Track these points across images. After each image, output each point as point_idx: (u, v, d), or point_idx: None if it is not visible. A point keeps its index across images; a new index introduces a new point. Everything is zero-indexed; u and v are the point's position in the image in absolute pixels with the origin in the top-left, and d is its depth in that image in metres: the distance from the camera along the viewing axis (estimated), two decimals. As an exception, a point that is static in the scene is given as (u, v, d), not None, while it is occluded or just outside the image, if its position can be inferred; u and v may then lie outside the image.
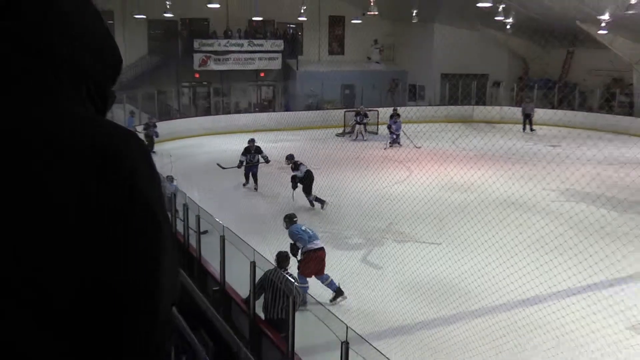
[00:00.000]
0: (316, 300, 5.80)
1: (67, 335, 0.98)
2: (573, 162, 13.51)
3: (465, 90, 27.32)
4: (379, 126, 23.66)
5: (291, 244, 8.37)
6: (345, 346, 4.77)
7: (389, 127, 20.97)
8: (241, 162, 14.66)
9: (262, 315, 6.59)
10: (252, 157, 14.84)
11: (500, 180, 11.84)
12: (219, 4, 20.75)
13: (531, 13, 22.26)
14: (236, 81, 26.97)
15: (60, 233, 0.99)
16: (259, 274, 6.69)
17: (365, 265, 9.79)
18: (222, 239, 7.41)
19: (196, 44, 25.58)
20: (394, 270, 9.15)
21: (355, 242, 10.87)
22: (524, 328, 7.16)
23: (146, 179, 1.05)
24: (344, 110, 24.83)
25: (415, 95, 29.42)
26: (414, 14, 25.17)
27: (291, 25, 28.10)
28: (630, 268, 8.38)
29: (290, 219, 8.87)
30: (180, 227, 9.62)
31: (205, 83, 26.77)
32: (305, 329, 5.76)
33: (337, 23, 29.73)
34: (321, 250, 8.41)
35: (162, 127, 21.39)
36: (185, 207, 9.19)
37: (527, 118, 24.25)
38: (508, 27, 22.18)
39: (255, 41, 26.65)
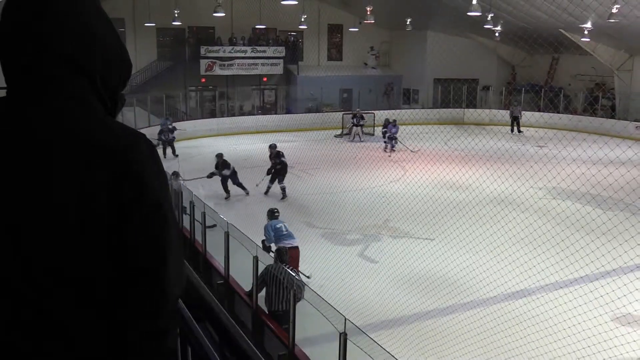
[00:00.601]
0: (316, 293, 5.73)
1: (92, 315, 1.03)
2: (559, 161, 13.43)
3: (456, 94, 27.34)
4: (375, 128, 23.63)
5: (262, 240, 8.18)
6: (343, 337, 4.73)
7: (386, 133, 20.23)
8: (212, 173, 13.77)
9: (264, 308, 6.53)
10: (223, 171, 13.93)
11: (490, 179, 11.77)
12: (224, 13, 20.68)
13: (518, 22, 22.22)
14: (240, 85, 27.01)
15: (79, 227, 1.01)
16: (261, 268, 6.62)
17: (362, 259, 9.74)
18: (227, 235, 7.35)
19: (203, 50, 25.60)
20: (390, 264, 9.11)
21: (352, 237, 10.81)
22: (514, 320, 7.11)
23: (154, 176, 1.07)
24: (342, 113, 24.83)
25: (409, 98, 29.40)
26: (408, 23, 25.18)
27: (292, 33, 28.07)
28: (614, 262, 8.31)
29: (271, 214, 8.56)
30: (186, 222, 9.54)
31: (211, 87, 26.76)
32: (306, 321, 5.70)
33: (335, 31, 29.72)
34: (294, 249, 7.88)
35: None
36: (192, 204, 9.11)
37: (515, 120, 24.28)
38: (497, 34, 22.15)
39: (258, 48, 26.66)
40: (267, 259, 6.71)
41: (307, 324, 5.75)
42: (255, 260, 6.59)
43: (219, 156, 13.87)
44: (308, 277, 8.10)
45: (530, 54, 27.56)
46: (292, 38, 28.47)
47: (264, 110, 27.90)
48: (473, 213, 10.79)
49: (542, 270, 8.07)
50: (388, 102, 28.62)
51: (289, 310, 5.81)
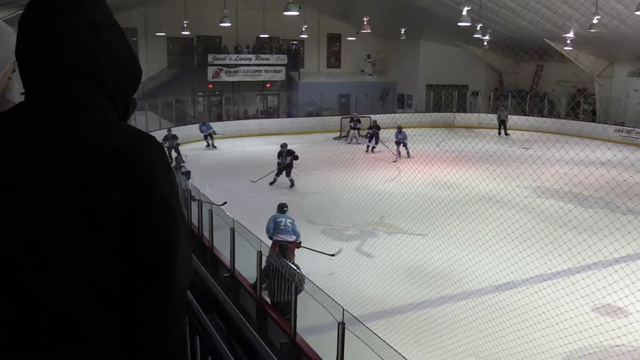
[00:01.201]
0: (316, 285, 5.73)
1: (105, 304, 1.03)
2: (543, 162, 13.45)
3: (447, 99, 27.29)
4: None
5: None
6: (341, 326, 4.73)
7: (372, 136, 19.84)
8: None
9: (268, 299, 6.53)
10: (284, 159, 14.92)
11: (479, 178, 11.77)
12: (230, 23, 20.67)
13: (505, 31, 22.21)
14: (245, 91, 27.00)
15: (92, 226, 1.01)
16: (265, 262, 6.62)
17: (359, 254, 9.73)
18: (232, 231, 7.35)
19: (210, 58, 25.60)
20: (385, 258, 9.11)
21: (350, 233, 10.81)
22: (501, 310, 7.12)
23: (162, 176, 1.06)
24: (340, 117, 24.79)
25: (403, 103, 29.38)
26: (402, 32, 25.16)
27: (294, 42, 28.02)
28: (594, 256, 8.31)
29: (280, 208, 8.62)
30: (194, 219, 9.54)
31: (217, 92, 26.73)
32: (306, 311, 5.70)
33: (334, 40, 29.68)
34: (283, 242, 7.64)
35: (180, 131, 21.32)
36: (199, 202, 9.11)
37: (502, 124, 24.25)
38: (485, 43, 22.12)
39: (262, 56, 26.64)
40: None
41: (307, 314, 5.75)
42: (259, 255, 6.60)
43: (284, 146, 14.98)
44: (333, 255, 8.40)
45: (517, 62, 27.53)
46: (294, 46, 28.43)
47: (267, 114, 27.87)
48: (463, 210, 10.80)
49: (528, 263, 8.07)
50: (384, 106, 28.58)
51: (290, 302, 5.81)
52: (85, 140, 1.02)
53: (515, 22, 21.04)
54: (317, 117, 25.91)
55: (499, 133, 24.11)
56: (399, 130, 18.62)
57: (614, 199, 11.96)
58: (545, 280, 8.11)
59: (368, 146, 19.85)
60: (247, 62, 26.28)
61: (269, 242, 7.91)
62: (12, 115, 1.07)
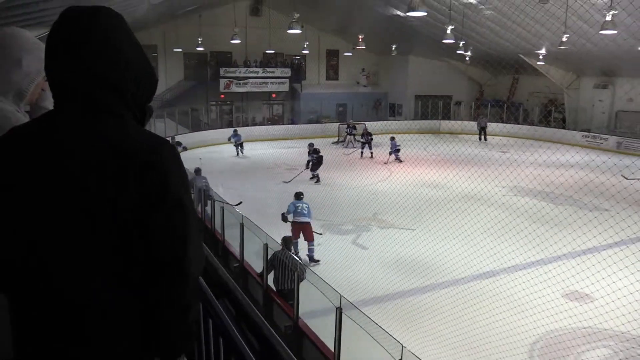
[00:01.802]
0: (317, 275, 5.72)
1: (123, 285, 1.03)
2: (519, 164, 13.45)
3: (433, 108, 27.29)
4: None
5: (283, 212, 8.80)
6: (339, 311, 4.70)
7: (365, 143, 19.56)
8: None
9: (273, 287, 6.51)
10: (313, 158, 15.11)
11: (462, 179, 11.76)
12: (240, 40, 20.68)
13: (485, 48, 22.21)
14: (253, 100, 26.96)
15: (112, 220, 1.00)
16: (270, 254, 6.60)
17: (354, 246, 9.71)
18: (241, 226, 7.33)
19: (222, 71, 25.57)
20: (378, 250, 9.08)
21: (346, 228, 10.79)
22: (481, 296, 7.11)
23: (175, 175, 1.06)
24: (338, 123, 24.77)
25: (394, 112, 29.35)
26: (393, 48, 25.16)
27: (296, 57, 28.00)
28: (564, 248, 8.31)
29: (297, 195, 9.30)
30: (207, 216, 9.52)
31: (228, 102, 26.72)
32: (308, 298, 5.69)
33: (332, 55, 29.65)
34: (304, 223, 8.69)
35: (195, 136, 21.32)
36: (212, 200, 9.09)
37: (482, 130, 24.20)
38: (467, 58, 22.06)
39: (268, 69, 26.60)
40: (275, 246, 6.69)
41: (309, 300, 5.73)
42: (265, 247, 6.57)
43: (310, 145, 15.22)
44: (320, 234, 9.13)
45: (495, 75, 27.52)
46: (297, 61, 28.41)
47: (273, 121, 27.83)
48: (448, 207, 10.78)
49: (505, 255, 8.05)
50: (377, 114, 28.57)
51: (293, 289, 5.80)
52: (107, 143, 1.01)
53: (494, 40, 21.05)
54: (318, 124, 25.90)
55: (480, 138, 24.07)
56: (392, 139, 18.57)
57: (582, 197, 11.95)
58: (520, 269, 8.09)
59: (362, 152, 19.77)
60: (255, 74, 26.26)
61: (276, 235, 7.89)
62: (37, 121, 1.08)
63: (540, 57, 20.06)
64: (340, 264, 8.30)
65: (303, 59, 28.33)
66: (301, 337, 5.47)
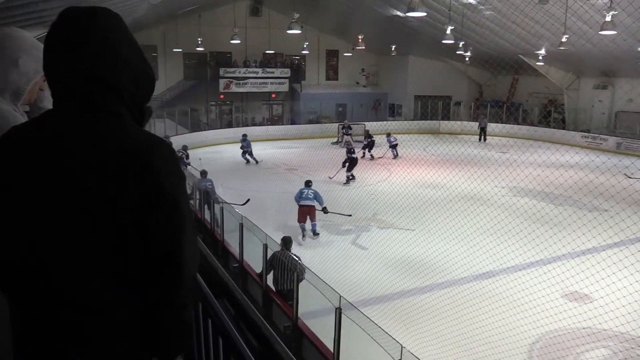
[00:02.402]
0: (316, 275, 5.71)
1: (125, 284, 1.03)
2: (518, 165, 13.46)
3: (433, 108, 27.30)
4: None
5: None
6: (338, 311, 4.70)
7: (366, 146, 19.48)
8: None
9: (273, 287, 6.51)
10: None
11: (461, 179, 11.77)
12: (240, 40, 20.67)
13: (485, 48, 22.22)
14: (252, 100, 26.95)
15: (111, 219, 1.00)
16: (270, 254, 6.60)
17: (354, 246, 9.71)
18: (241, 226, 7.32)
19: (221, 71, 25.55)
20: (378, 251, 9.08)
21: (346, 228, 10.79)
22: (481, 297, 7.11)
23: (171, 174, 1.06)
24: (338, 124, 24.75)
25: (394, 112, 29.36)
26: (393, 49, 25.16)
27: (296, 57, 28.00)
28: (564, 249, 8.31)
29: (306, 183, 10.34)
30: (207, 216, 9.51)
31: (228, 102, 26.70)
32: (307, 298, 5.68)
33: (332, 55, 29.66)
34: (307, 206, 9.80)
35: (195, 137, 21.28)
36: (213, 201, 9.08)
37: (482, 130, 24.20)
38: (467, 59, 22.08)
39: (268, 69, 26.59)
40: (275, 246, 6.69)
41: (308, 301, 5.73)
42: (265, 247, 6.57)
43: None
44: (349, 215, 10.30)
45: (495, 75, 27.54)
46: (296, 61, 28.41)
47: (272, 121, 27.82)
48: (447, 208, 10.79)
49: (504, 255, 8.05)
50: (376, 115, 28.57)
51: (293, 289, 5.79)
52: (106, 142, 1.02)
53: (494, 40, 21.05)
54: (317, 124, 25.88)
55: (479, 139, 24.08)
56: (388, 135, 18.95)
57: (581, 198, 11.96)
58: (520, 269, 8.10)
59: (364, 153, 19.76)
60: (254, 75, 26.25)
61: (275, 236, 7.89)
62: (36, 121, 1.08)
63: (540, 57, 20.08)
64: (339, 264, 8.29)
65: (303, 59, 28.33)
66: (300, 337, 5.46)
